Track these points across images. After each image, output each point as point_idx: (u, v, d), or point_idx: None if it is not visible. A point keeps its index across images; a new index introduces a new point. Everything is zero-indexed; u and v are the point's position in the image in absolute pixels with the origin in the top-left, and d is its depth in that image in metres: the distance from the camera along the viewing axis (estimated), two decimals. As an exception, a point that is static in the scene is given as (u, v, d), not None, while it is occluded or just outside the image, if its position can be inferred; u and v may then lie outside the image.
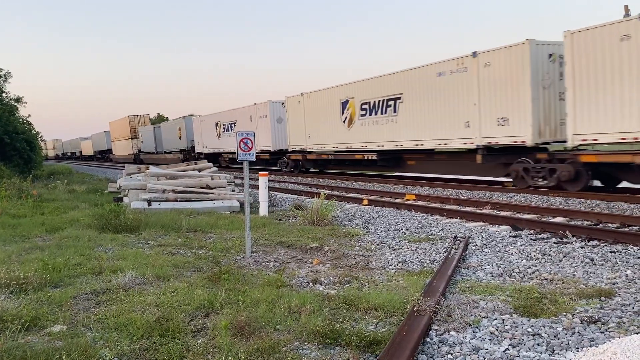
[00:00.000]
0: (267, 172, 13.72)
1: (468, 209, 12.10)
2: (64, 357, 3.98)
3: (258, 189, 13.29)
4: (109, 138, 66.17)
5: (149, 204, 12.89)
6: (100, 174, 35.98)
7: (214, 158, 35.79)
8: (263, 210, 12.63)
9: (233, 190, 14.95)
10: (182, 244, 8.99)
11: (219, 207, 13.21)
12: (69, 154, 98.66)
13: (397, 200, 14.11)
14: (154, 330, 4.62)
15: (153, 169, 16.19)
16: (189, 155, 40.70)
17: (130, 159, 53.48)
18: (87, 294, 5.91)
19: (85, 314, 5.23)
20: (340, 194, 16.17)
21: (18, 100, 29.83)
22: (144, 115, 55.90)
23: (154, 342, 4.42)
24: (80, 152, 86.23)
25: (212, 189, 14.32)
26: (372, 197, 14.94)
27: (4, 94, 28.70)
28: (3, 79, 28.46)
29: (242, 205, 13.15)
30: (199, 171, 16.35)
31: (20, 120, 30.39)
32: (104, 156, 71.52)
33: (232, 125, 33.36)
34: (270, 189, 15.57)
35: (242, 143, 8.17)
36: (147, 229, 10.28)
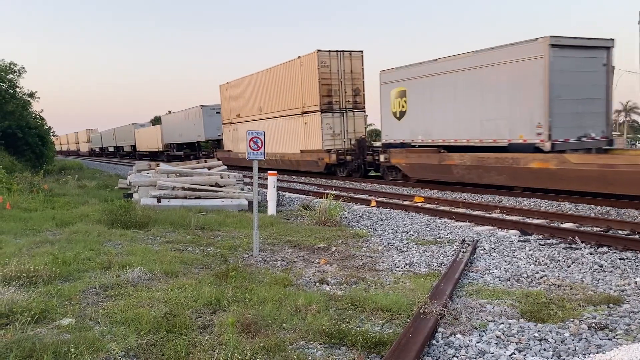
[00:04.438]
0: (276, 172, 13.75)
1: (477, 212, 12.05)
2: (72, 349, 4.03)
3: (267, 188, 13.33)
4: (210, 121, 35.63)
5: (159, 201, 12.97)
6: (110, 170, 36.22)
7: None
8: (271, 209, 12.66)
9: (242, 189, 15.00)
10: (191, 241, 9.03)
11: (228, 206, 13.26)
12: (110, 148, 68.11)
13: (406, 203, 14.08)
14: (161, 325, 4.65)
15: (163, 166, 16.30)
16: None
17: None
18: (95, 288, 5.97)
19: (93, 308, 5.28)
20: (349, 194, 16.16)
21: (31, 95, 30.14)
22: (353, 52, 23.18)
23: (161, 338, 4.45)
24: (133, 146, 56.69)
25: (221, 187, 14.38)
26: (380, 199, 14.92)
27: (17, 89, 29.01)
28: (17, 74, 28.75)
29: (250, 204, 13.19)
30: (209, 169, 16.42)
31: (33, 115, 30.71)
32: (193, 156, 37.00)
33: None
34: (279, 188, 15.60)
35: (251, 142, 8.20)
36: (156, 225, 10.34)
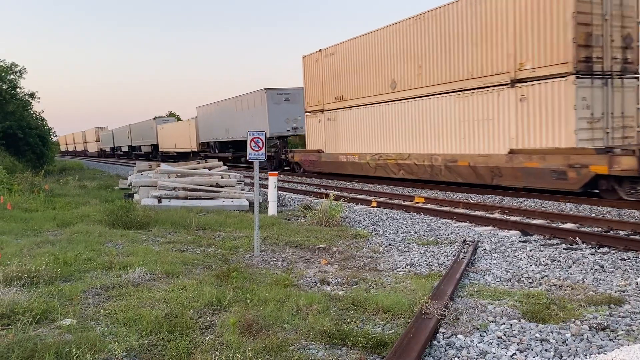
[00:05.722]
0: (276, 172, 13.75)
1: (477, 213, 12.04)
2: (73, 350, 4.03)
3: (267, 188, 13.33)
4: (276, 112, 27.22)
5: (159, 201, 12.98)
6: (111, 170, 36.22)
7: None
8: (272, 209, 12.66)
9: (242, 189, 15.01)
10: (192, 242, 9.04)
11: (229, 206, 13.27)
12: (124, 148, 59.50)
13: (406, 203, 14.07)
14: (163, 326, 4.66)
15: (164, 166, 16.32)
16: None
17: None
18: (97, 288, 5.97)
19: (94, 308, 5.28)
20: (349, 195, 16.16)
21: (32, 95, 30.22)
22: None
23: (163, 338, 4.46)
24: (155, 145, 47.35)
25: (222, 187, 14.40)
26: (381, 199, 14.92)
27: (18, 90, 29.07)
28: (18, 74, 28.80)
29: (251, 204, 13.20)
30: (209, 169, 16.43)
31: (34, 115, 30.79)
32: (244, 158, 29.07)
33: None
34: (280, 188, 15.62)
35: (252, 142, 8.21)
36: (157, 225, 10.35)
